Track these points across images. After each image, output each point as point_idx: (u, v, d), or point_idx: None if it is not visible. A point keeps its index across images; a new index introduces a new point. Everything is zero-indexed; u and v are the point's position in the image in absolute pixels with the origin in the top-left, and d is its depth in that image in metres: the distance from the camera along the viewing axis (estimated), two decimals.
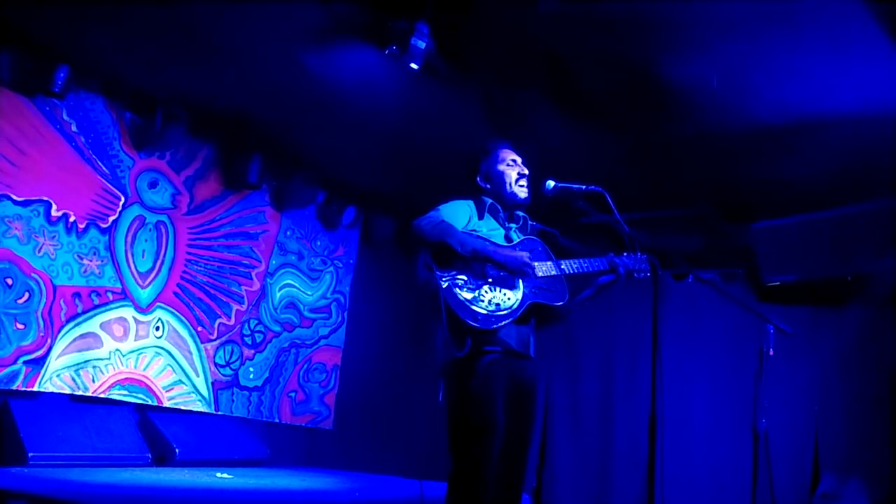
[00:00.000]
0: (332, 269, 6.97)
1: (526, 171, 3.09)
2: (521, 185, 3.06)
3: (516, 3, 3.81)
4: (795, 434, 5.43)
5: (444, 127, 5.20)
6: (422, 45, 3.97)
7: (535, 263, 2.89)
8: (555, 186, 3.01)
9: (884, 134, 4.38)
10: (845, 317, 5.42)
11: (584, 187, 2.98)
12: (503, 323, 2.77)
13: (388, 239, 7.11)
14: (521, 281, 2.87)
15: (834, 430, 5.39)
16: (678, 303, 5.93)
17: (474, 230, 2.91)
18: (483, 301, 2.76)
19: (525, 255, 2.86)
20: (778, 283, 5.66)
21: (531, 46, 4.19)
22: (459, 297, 2.73)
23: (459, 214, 2.93)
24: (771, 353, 4.06)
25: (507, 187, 3.05)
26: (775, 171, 5.16)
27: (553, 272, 2.92)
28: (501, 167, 3.07)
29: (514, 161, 3.09)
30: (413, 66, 4.05)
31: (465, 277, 2.77)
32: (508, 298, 2.81)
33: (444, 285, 2.72)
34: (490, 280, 2.81)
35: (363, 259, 7.19)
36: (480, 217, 3.00)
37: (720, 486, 5.65)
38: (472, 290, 2.76)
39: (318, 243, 6.87)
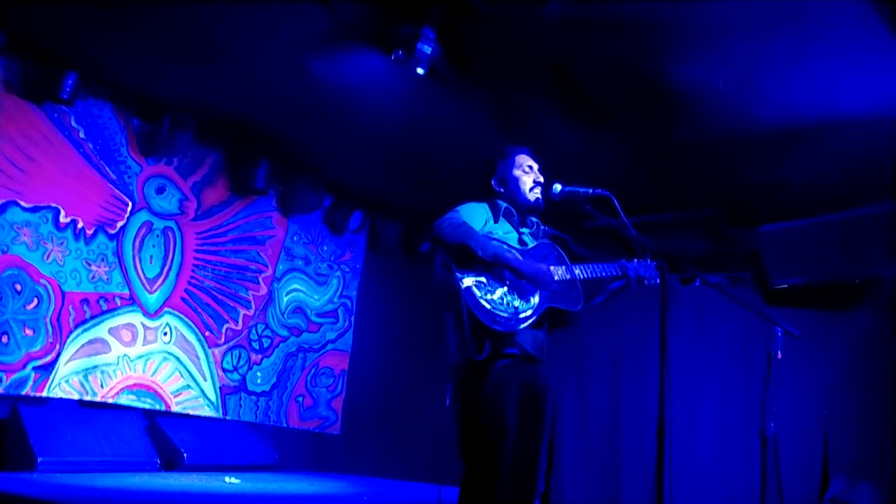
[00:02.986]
0: (338, 273, 6.98)
1: (541, 179, 3.08)
2: (535, 192, 3.06)
3: (522, 7, 3.82)
4: (804, 437, 5.40)
5: (450, 132, 5.20)
6: (428, 49, 3.98)
7: (551, 268, 2.89)
8: (562, 190, 3.00)
9: (891, 136, 4.36)
10: (854, 320, 5.40)
11: (591, 190, 2.97)
12: (523, 326, 2.77)
13: (395, 243, 7.12)
14: None
15: (843, 433, 5.36)
16: (685, 307, 5.92)
17: (490, 233, 2.91)
18: (502, 304, 2.75)
19: (544, 266, 2.86)
20: (785, 287, 5.64)
21: (537, 50, 4.19)
22: (479, 299, 2.72)
23: (476, 216, 2.92)
24: (779, 356, 4.03)
25: (521, 193, 3.04)
26: (782, 173, 5.14)
27: (567, 277, 2.92)
28: (517, 172, 3.06)
29: (530, 167, 3.08)
30: (419, 70, 4.06)
31: (484, 279, 2.76)
32: (526, 302, 2.81)
33: (465, 287, 2.71)
34: (508, 283, 2.80)
35: (370, 263, 7.20)
36: (496, 220, 2.99)
37: (729, 491, 5.62)
38: (492, 293, 2.75)
39: (325, 248, 6.88)
